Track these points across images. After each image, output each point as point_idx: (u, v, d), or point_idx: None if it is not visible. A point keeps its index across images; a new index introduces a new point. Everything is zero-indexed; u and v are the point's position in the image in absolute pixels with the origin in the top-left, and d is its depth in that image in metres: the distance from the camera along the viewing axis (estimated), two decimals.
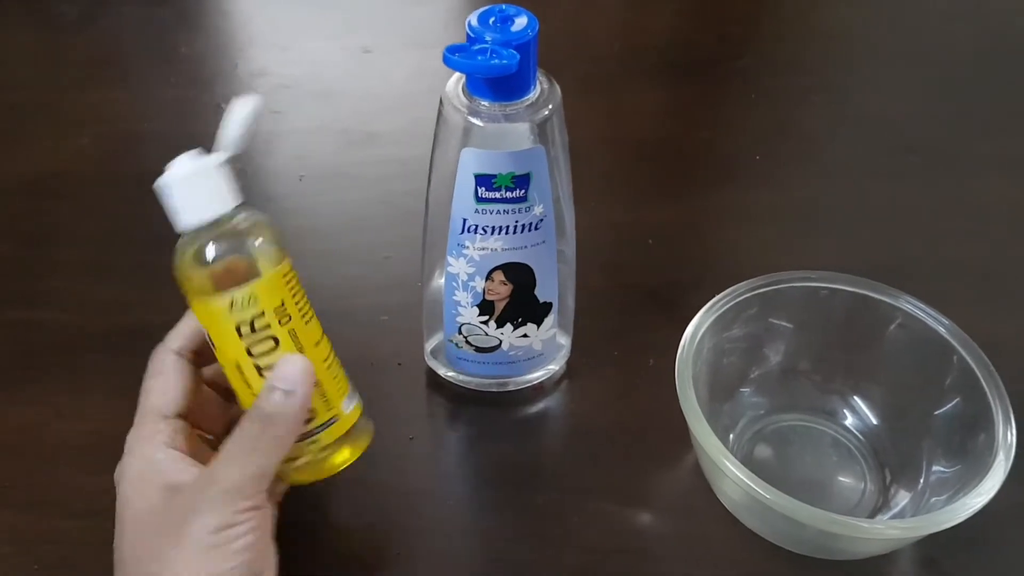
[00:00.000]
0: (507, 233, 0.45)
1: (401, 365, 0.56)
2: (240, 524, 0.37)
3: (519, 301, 0.48)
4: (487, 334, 0.50)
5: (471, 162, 0.43)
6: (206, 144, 0.75)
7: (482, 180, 0.43)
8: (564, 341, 0.54)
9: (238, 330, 0.39)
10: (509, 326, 0.50)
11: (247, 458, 0.38)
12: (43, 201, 0.69)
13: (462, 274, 0.47)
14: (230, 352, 0.40)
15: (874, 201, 0.69)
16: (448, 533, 0.48)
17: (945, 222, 0.67)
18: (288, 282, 0.41)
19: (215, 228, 0.40)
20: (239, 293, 0.39)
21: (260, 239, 0.40)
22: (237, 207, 0.40)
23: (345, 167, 0.72)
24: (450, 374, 0.54)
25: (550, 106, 0.43)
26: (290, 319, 0.40)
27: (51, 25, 0.89)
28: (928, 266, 0.62)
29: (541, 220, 0.45)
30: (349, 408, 0.43)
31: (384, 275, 0.63)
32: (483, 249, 0.46)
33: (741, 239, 0.66)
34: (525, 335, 0.50)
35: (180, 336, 0.43)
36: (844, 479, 0.49)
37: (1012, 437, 0.42)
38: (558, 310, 0.50)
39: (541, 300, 0.49)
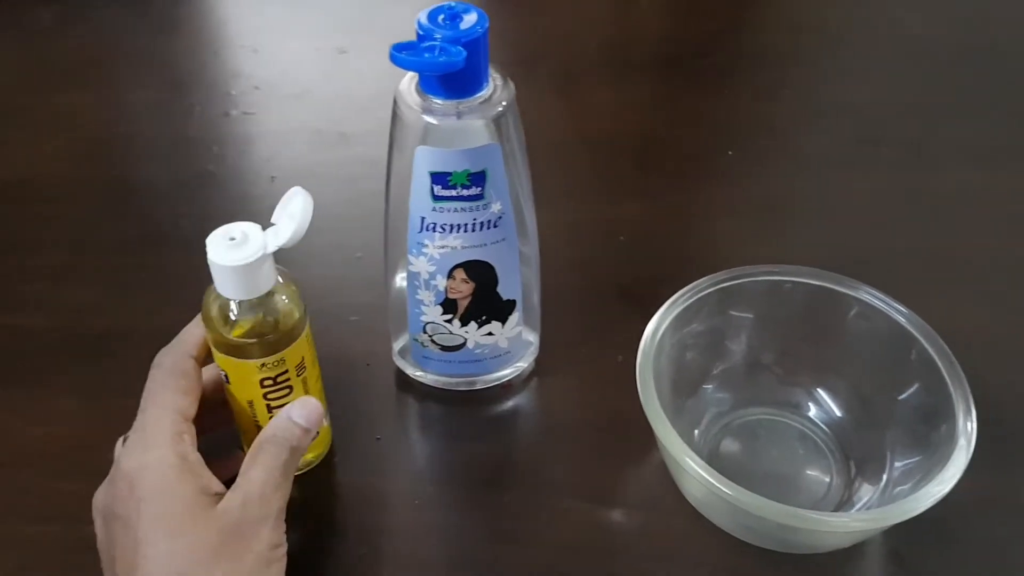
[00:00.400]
0: (465, 231, 0.45)
1: (370, 365, 0.56)
2: (284, 544, 0.41)
3: (482, 299, 0.48)
4: (452, 332, 0.50)
5: (426, 160, 0.43)
6: (180, 150, 0.75)
7: (438, 178, 0.43)
8: (532, 338, 0.54)
9: (261, 383, 0.43)
10: (473, 324, 0.49)
11: (286, 483, 0.42)
12: (14, 205, 0.69)
13: (423, 273, 0.47)
14: (247, 393, 0.44)
15: (843, 193, 0.69)
16: (415, 532, 0.48)
17: (912, 213, 0.67)
18: (308, 340, 0.45)
19: (257, 302, 0.42)
20: (271, 359, 0.43)
21: (295, 312, 0.43)
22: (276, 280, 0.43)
23: (317, 167, 0.72)
24: (418, 374, 0.54)
25: (504, 103, 0.43)
26: (306, 370, 0.45)
27: (26, 30, 0.89)
28: (896, 256, 0.62)
29: (499, 218, 0.45)
30: (325, 422, 0.49)
31: (355, 275, 0.62)
32: (442, 247, 0.46)
33: (712, 234, 0.66)
34: (490, 333, 0.50)
35: (198, 345, 0.44)
36: (810, 472, 0.49)
37: (972, 426, 0.42)
38: (523, 307, 0.50)
39: (504, 298, 0.49)
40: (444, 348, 0.51)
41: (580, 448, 0.52)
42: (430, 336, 0.50)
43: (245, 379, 0.43)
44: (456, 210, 0.44)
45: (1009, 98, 0.78)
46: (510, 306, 0.50)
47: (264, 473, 0.41)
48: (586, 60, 0.84)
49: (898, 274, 0.60)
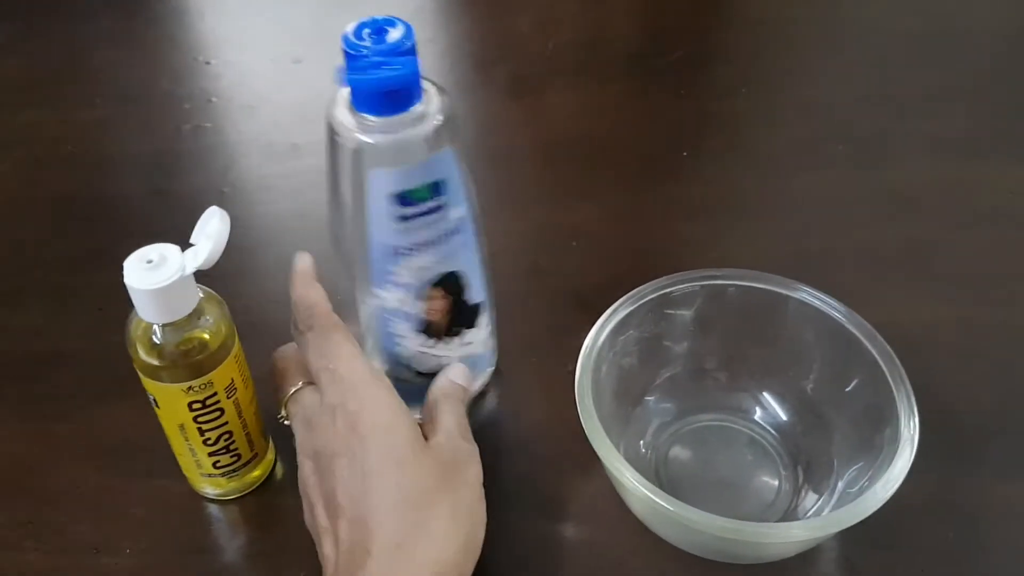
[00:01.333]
0: (435, 246, 0.43)
1: None
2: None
3: (458, 312, 0.47)
4: (437, 356, 0.48)
5: (383, 183, 0.41)
6: (132, 166, 0.74)
7: (400, 199, 0.41)
8: (493, 338, 0.52)
9: (190, 406, 0.43)
10: (455, 341, 0.48)
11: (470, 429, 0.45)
12: None
13: (395, 304, 0.45)
14: (177, 418, 0.44)
15: (801, 192, 0.68)
16: None
17: (871, 210, 0.66)
18: (237, 360, 0.44)
19: (179, 324, 0.41)
20: (197, 382, 0.42)
21: (221, 333, 0.42)
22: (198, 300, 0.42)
23: (268, 179, 0.71)
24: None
25: (442, 112, 0.41)
26: (237, 391, 0.44)
27: None
28: (853, 254, 0.62)
29: (461, 220, 0.44)
30: (268, 442, 0.50)
31: None
32: (415, 270, 0.44)
33: (667, 237, 0.65)
34: (469, 343, 0.49)
35: (327, 302, 0.44)
36: (760, 478, 0.48)
37: (915, 426, 0.41)
38: (488, 303, 0.49)
39: (472, 302, 0.47)
40: (422, 375, 0.48)
41: (527, 459, 0.51)
42: (415, 371, 0.48)
43: (173, 403, 0.42)
44: (423, 227, 0.42)
45: (972, 91, 0.77)
46: (480, 308, 0.48)
47: (455, 418, 0.44)
48: (542, 63, 0.83)
49: (855, 273, 0.60)
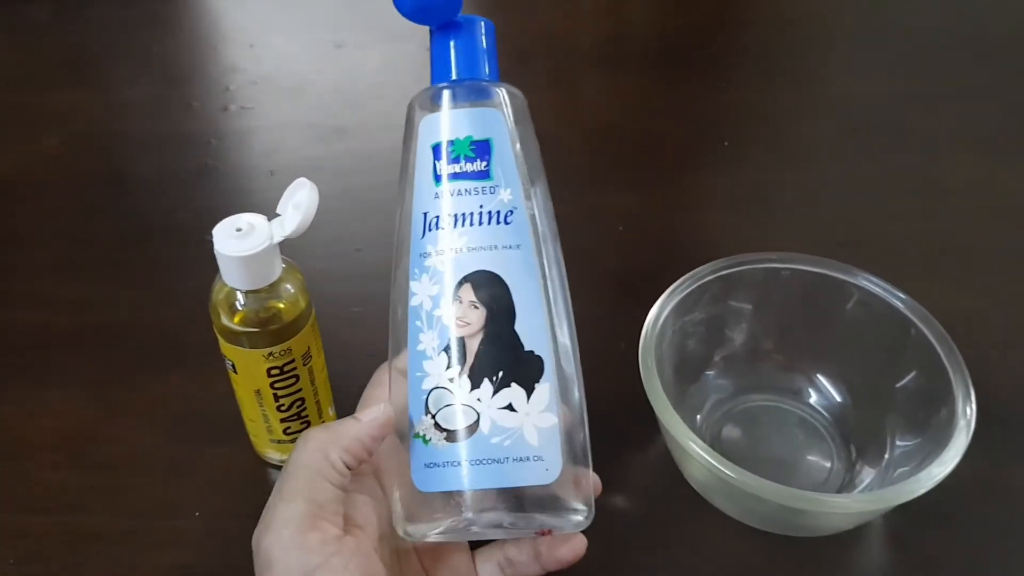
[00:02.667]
0: (471, 224, 0.39)
1: (373, 356, 0.56)
2: None
3: (496, 340, 0.38)
4: (460, 401, 0.37)
5: (427, 132, 0.40)
6: (177, 145, 0.75)
7: (439, 151, 0.39)
8: (580, 460, 0.39)
9: (268, 372, 0.44)
10: (487, 384, 0.37)
11: None
12: (11, 202, 0.69)
13: (425, 301, 0.39)
14: (254, 383, 0.45)
15: (838, 181, 0.69)
16: None
17: (906, 200, 0.67)
18: (314, 329, 0.45)
19: (262, 292, 0.42)
20: (277, 348, 0.43)
21: (300, 301, 0.44)
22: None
23: (315, 161, 0.72)
24: (415, 530, 0.38)
25: (510, 98, 0.41)
26: (312, 359, 0.45)
27: (21, 27, 0.89)
28: (891, 244, 0.63)
29: (511, 212, 0.39)
30: (331, 411, 0.50)
31: (354, 268, 0.63)
32: (446, 252, 0.39)
33: (708, 224, 0.66)
34: (511, 407, 0.37)
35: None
36: (811, 457, 0.49)
37: (972, 410, 0.43)
38: (557, 378, 0.38)
39: (526, 346, 0.38)
40: (450, 435, 0.37)
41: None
42: (433, 418, 0.37)
43: (252, 368, 0.44)
44: (461, 192, 0.39)
45: (1001, 87, 0.78)
46: (536, 364, 0.38)
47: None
48: (581, 55, 0.84)
49: (892, 261, 0.61)
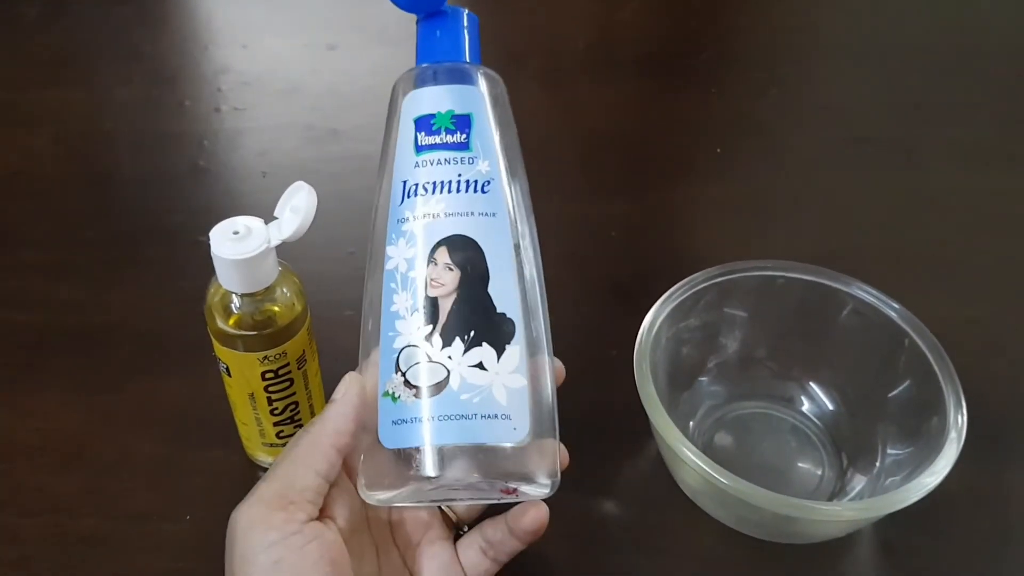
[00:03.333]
0: (449, 191, 0.39)
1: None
2: None
3: (469, 299, 0.38)
4: (430, 358, 0.37)
5: (410, 107, 0.41)
6: (169, 145, 0.75)
7: (421, 123, 0.40)
8: (546, 414, 0.39)
9: (263, 375, 0.44)
10: (459, 342, 0.37)
11: None
12: (2, 201, 0.69)
13: (401, 264, 0.39)
14: (248, 386, 0.44)
15: (829, 191, 0.70)
16: None
17: (897, 210, 0.68)
18: (309, 333, 0.45)
19: (258, 295, 0.42)
20: (272, 352, 0.43)
21: (296, 305, 0.44)
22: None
23: (308, 163, 0.72)
24: (381, 496, 0.38)
25: (489, 81, 0.42)
26: (307, 363, 0.45)
27: (11, 25, 0.88)
28: (881, 253, 0.64)
29: (488, 182, 0.40)
30: None
31: (347, 271, 0.62)
32: (424, 217, 0.39)
33: (703, 231, 0.67)
34: (481, 365, 0.37)
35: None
36: (803, 464, 0.50)
37: (963, 419, 0.43)
38: (525, 339, 0.38)
39: (499, 308, 0.39)
40: (418, 392, 0.37)
41: (574, 441, 0.52)
42: (403, 376, 0.37)
43: (246, 372, 0.43)
44: (440, 163, 0.40)
45: (996, 98, 0.79)
46: (507, 327, 0.38)
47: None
48: (574, 59, 0.84)
49: (884, 270, 0.61)
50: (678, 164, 0.73)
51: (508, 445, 0.37)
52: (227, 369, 0.44)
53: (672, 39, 0.87)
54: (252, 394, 0.44)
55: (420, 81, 0.42)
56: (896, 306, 0.47)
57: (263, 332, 0.42)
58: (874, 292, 0.48)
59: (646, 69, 0.83)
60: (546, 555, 0.47)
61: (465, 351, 0.37)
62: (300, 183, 0.42)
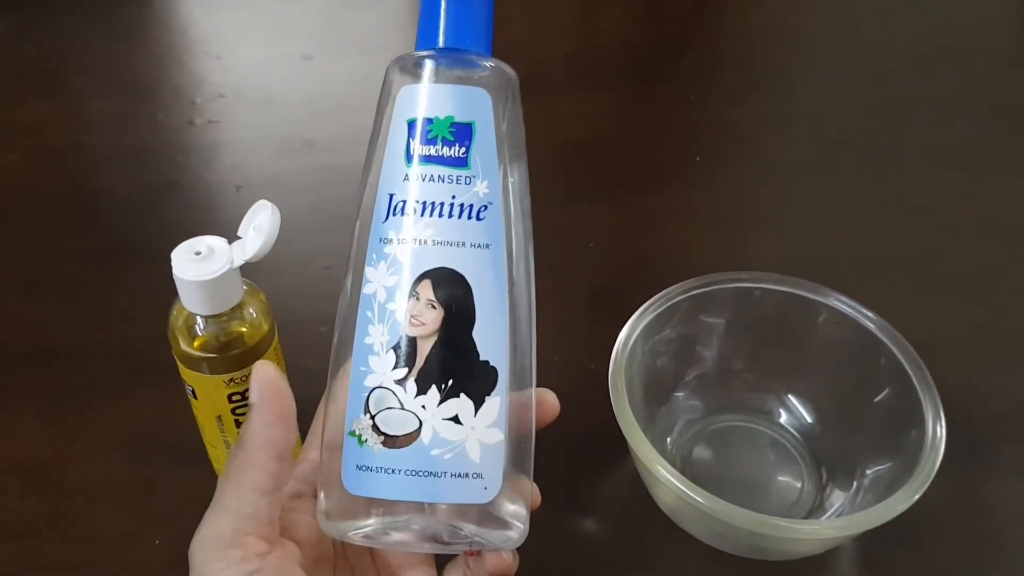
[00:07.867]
0: (440, 215, 0.35)
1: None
2: None
3: (449, 344, 0.35)
4: (403, 405, 0.34)
5: (405, 105, 0.36)
6: (143, 159, 0.74)
7: (415, 128, 0.36)
8: (517, 503, 0.36)
9: (229, 398, 0.43)
10: (434, 391, 0.34)
11: None
12: None
13: (380, 292, 0.35)
14: (214, 409, 0.44)
15: (809, 197, 0.69)
16: None
17: (877, 217, 0.67)
18: (276, 354, 0.44)
19: (223, 317, 0.41)
20: (238, 374, 0.42)
21: (263, 325, 0.43)
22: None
23: (283, 176, 0.71)
24: (336, 530, 0.36)
25: (502, 77, 0.37)
26: None
27: None
28: (862, 260, 0.63)
29: (484, 207, 0.36)
30: (297, 436, 0.47)
31: (322, 285, 0.62)
32: (410, 241, 0.36)
33: (682, 240, 0.66)
34: (456, 419, 0.34)
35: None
36: (782, 478, 0.49)
37: (942, 431, 0.42)
38: (507, 386, 0.35)
39: (482, 356, 0.35)
40: (388, 440, 0.34)
41: (551, 457, 0.51)
42: (372, 419, 0.35)
43: (212, 394, 0.43)
44: (433, 179, 0.35)
45: (973, 101, 0.79)
46: (489, 376, 0.35)
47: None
48: (553, 68, 0.84)
49: (864, 277, 0.61)
50: (657, 172, 0.72)
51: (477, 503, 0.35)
52: (193, 392, 0.43)
53: (651, 46, 0.87)
54: (219, 416, 0.44)
55: (418, 72, 0.36)
56: (872, 316, 0.47)
57: (228, 354, 0.41)
58: (850, 302, 0.47)
59: (624, 76, 0.83)
60: (523, 573, 0.46)
61: (441, 402, 0.35)
62: (263, 202, 0.41)
